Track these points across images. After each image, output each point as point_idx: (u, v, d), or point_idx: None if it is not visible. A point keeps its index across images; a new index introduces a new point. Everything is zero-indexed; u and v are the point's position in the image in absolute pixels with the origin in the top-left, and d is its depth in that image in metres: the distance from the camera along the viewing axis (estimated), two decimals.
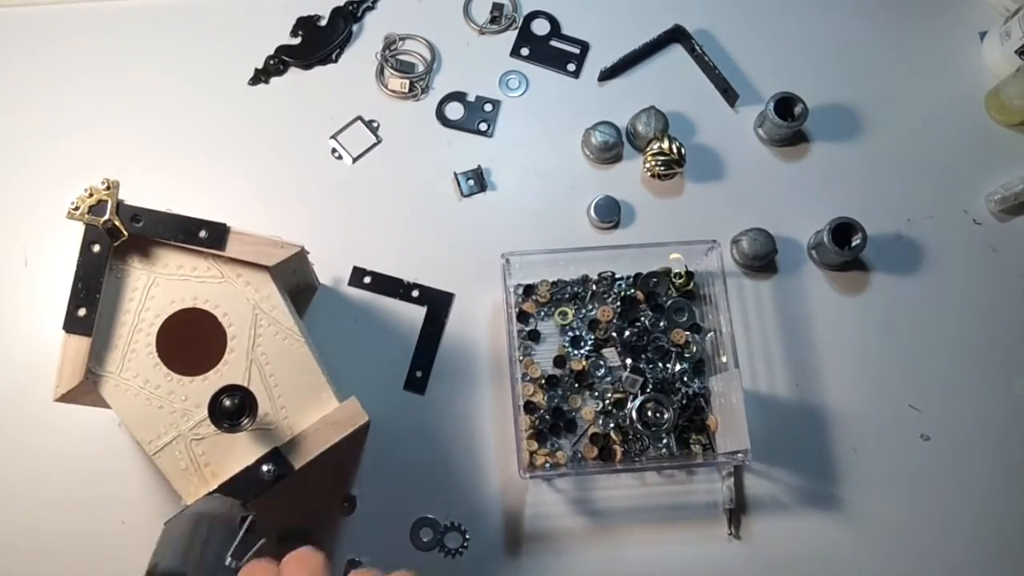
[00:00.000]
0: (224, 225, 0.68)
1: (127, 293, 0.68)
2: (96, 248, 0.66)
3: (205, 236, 0.67)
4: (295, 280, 0.81)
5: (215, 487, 0.65)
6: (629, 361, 0.81)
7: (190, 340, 0.69)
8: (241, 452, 0.67)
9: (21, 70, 0.92)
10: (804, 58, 0.94)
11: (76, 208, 0.66)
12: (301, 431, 0.67)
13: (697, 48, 0.92)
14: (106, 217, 0.66)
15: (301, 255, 0.72)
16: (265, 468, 0.65)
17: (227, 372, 0.68)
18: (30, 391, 0.80)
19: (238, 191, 0.88)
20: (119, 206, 0.66)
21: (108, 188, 0.66)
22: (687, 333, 0.82)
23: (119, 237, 0.66)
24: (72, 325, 0.65)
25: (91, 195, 0.66)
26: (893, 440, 0.82)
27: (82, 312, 0.65)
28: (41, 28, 0.94)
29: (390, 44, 0.93)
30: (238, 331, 0.69)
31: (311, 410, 0.68)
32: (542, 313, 0.84)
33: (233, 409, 0.63)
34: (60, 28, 0.94)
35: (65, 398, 0.66)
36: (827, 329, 0.85)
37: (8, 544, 0.79)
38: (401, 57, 0.93)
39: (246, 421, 0.63)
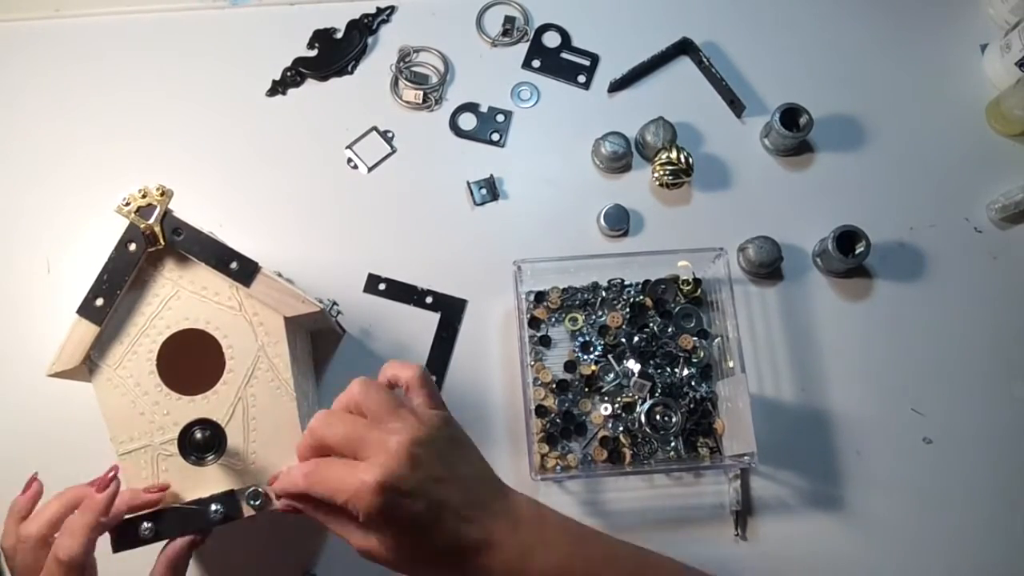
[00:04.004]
0: (255, 264, 0.69)
1: (147, 297, 0.69)
2: (132, 247, 0.67)
3: (236, 268, 0.68)
4: (317, 325, 0.81)
5: (165, 507, 0.65)
6: (638, 366, 0.83)
7: (190, 359, 0.69)
8: (201, 482, 0.67)
9: (43, 82, 0.94)
10: (809, 70, 0.96)
11: (127, 204, 0.66)
12: (262, 482, 0.67)
13: (705, 60, 0.93)
14: (151, 221, 0.66)
15: (320, 314, 0.72)
16: (214, 508, 0.65)
17: (215, 401, 0.68)
18: (54, 398, 0.80)
19: (255, 200, 0.90)
20: (165, 215, 0.67)
21: (162, 195, 0.67)
22: (695, 339, 0.84)
23: (155, 245, 0.67)
24: (86, 311, 0.66)
25: (144, 196, 0.67)
26: (896, 443, 0.83)
27: (99, 302, 0.66)
28: (60, 41, 0.96)
29: (404, 56, 0.95)
30: (237, 366, 0.69)
31: (280, 466, 0.67)
32: (553, 319, 0.86)
33: (202, 443, 0.63)
34: (78, 41, 0.96)
35: (58, 375, 0.67)
36: (832, 335, 0.86)
37: None
38: (415, 69, 0.95)
39: (211, 457, 0.63)
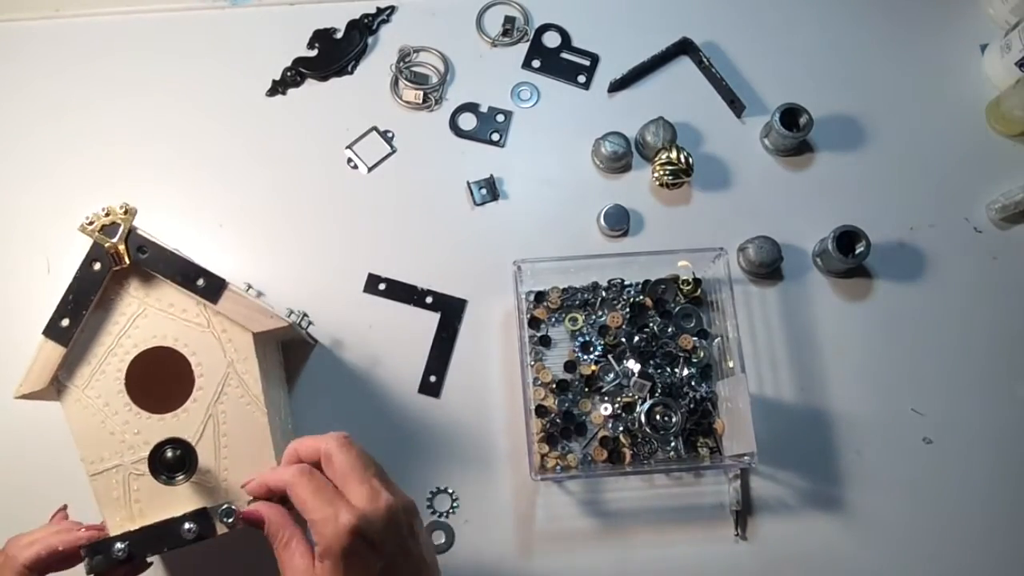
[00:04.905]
0: (222, 280, 0.68)
1: (114, 316, 0.68)
2: (96, 266, 0.66)
3: (202, 285, 0.67)
4: (287, 337, 0.81)
5: (138, 527, 0.65)
6: (638, 366, 0.83)
7: (160, 378, 0.69)
8: (173, 500, 0.66)
9: (43, 82, 0.94)
10: (809, 70, 0.96)
11: (90, 223, 0.66)
12: (235, 499, 0.66)
13: (705, 60, 0.94)
14: (115, 240, 0.65)
15: (289, 328, 0.72)
16: (187, 526, 0.64)
17: (185, 419, 0.68)
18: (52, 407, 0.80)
19: (255, 200, 0.90)
20: (130, 233, 0.66)
21: (125, 212, 0.66)
22: (695, 339, 0.84)
23: (120, 263, 0.66)
24: (52, 332, 0.65)
25: (107, 215, 0.66)
26: (896, 443, 0.83)
27: (65, 323, 0.65)
28: (60, 41, 0.96)
29: (404, 56, 0.95)
30: (206, 383, 0.68)
31: None
32: (553, 319, 0.86)
33: (172, 462, 0.63)
34: (78, 41, 0.96)
35: (27, 397, 0.66)
36: (831, 335, 0.86)
37: None
38: (415, 69, 0.95)
39: (181, 476, 0.63)
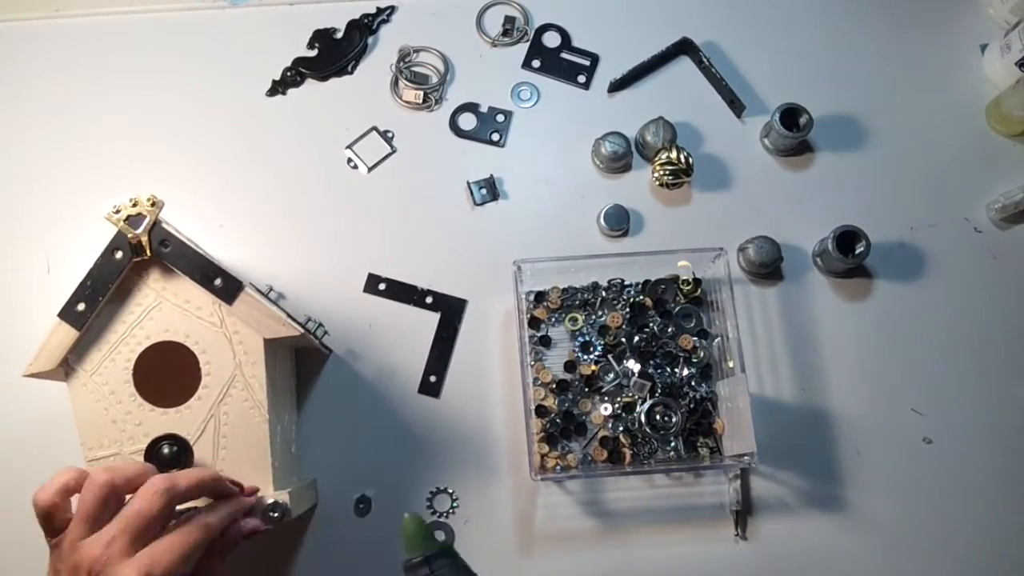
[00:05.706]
0: (240, 283, 0.68)
1: (130, 306, 0.69)
2: (118, 255, 0.67)
3: (219, 285, 0.68)
4: (301, 344, 0.81)
5: None
6: (638, 366, 0.83)
7: (167, 372, 0.69)
8: None
9: (43, 82, 0.94)
10: (809, 70, 0.96)
11: (117, 211, 0.66)
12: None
13: (705, 60, 0.94)
14: (138, 231, 0.66)
15: (302, 337, 0.72)
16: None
17: (187, 416, 0.68)
18: (55, 398, 0.79)
19: (255, 200, 0.90)
20: (154, 226, 0.67)
21: (153, 205, 0.67)
22: (695, 339, 0.84)
23: (141, 255, 0.67)
24: (67, 315, 0.66)
25: (134, 205, 0.66)
26: (896, 443, 0.83)
27: (81, 307, 0.66)
28: (60, 41, 0.96)
29: (404, 56, 0.95)
30: (213, 382, 0.69)
31: (246, 484, 0.67)
32: (553, 319, 0.86)
33: (169, 458, 0.63)
34: (78, 41, 0.96)
35: (35, 376, 0.67)
36: (831, 335, 0.86)
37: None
38: (415, 69, 0.95)
39: None
